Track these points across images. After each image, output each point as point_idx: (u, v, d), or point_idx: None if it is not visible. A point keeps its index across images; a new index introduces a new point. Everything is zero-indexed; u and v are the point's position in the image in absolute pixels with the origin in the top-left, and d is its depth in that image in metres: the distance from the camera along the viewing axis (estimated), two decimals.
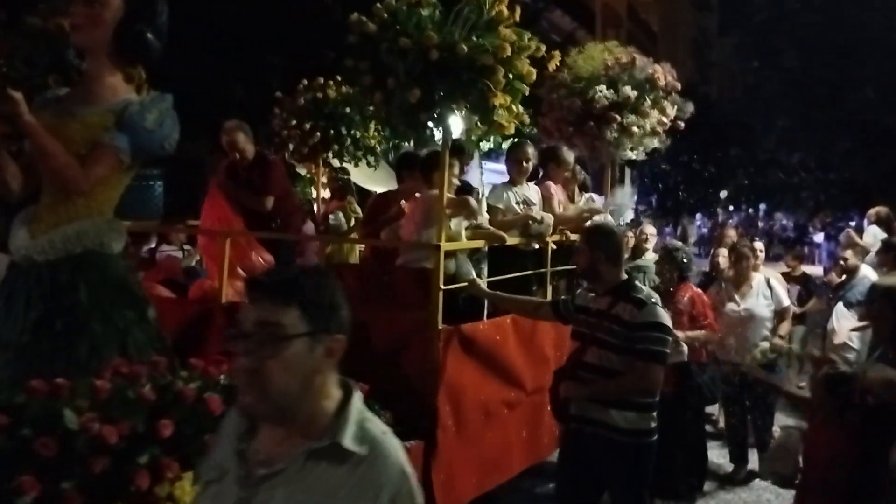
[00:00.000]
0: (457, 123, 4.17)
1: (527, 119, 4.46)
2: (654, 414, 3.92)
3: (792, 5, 31.38)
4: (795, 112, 30.91)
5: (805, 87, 29.87)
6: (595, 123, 6.27)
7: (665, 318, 3.86)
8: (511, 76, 4.08)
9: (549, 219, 5.66)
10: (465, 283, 4.59)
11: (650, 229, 8.50)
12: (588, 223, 5.63)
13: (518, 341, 4.93)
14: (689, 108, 6.86)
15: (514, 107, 4.15)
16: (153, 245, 7.22)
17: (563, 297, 4.46)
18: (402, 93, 3.92)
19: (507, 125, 4.13)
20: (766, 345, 6.28)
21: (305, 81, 7.06)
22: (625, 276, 4.03)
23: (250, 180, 5.86)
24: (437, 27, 3.93)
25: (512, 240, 5.20)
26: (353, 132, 7.23)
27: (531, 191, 5.80)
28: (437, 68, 3.91)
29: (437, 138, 4.33)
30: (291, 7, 12.62)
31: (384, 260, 4.89)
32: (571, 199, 6.52)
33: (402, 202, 5.29)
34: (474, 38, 3.95)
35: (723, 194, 35.64)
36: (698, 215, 30.29)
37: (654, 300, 3.88)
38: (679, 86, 6.72)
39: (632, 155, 6.59)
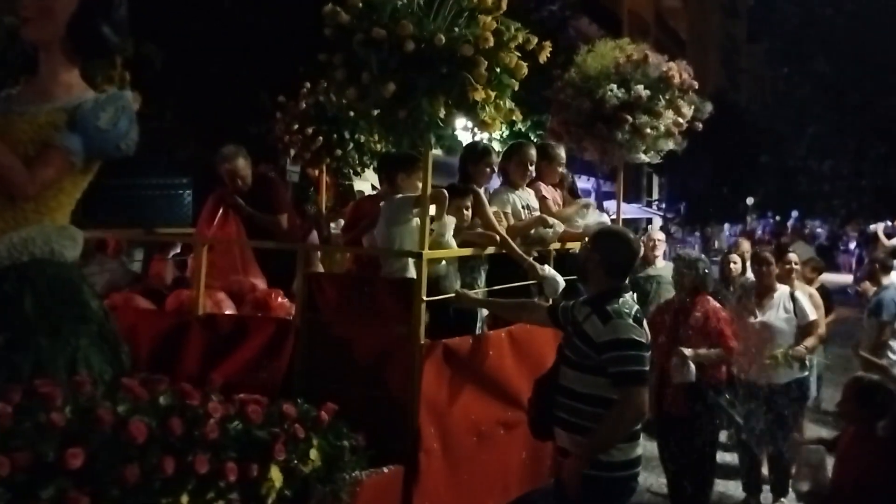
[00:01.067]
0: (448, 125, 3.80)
1: (518, 116, 4.05)
2: (638, 442, 3.54)
3: (823, 11, 30.68)
4: (827, 118, 30.18)
5: (837, 92, 29.09)
6: (605, 125, 5.85)
7: (633, 331, 3.39)
8: (498, 70, 3.70)
9: (560, 226, 5.23)
10: (452, 294, 4.19)
11: (659, 235, 8.03)
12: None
13: (516, 356, 4.52)
14: (708, 107, 6.42)
15: (502, 103, 3.75)
16: (178, 250, 6.94)
17: (564, 301, 3.99)
18: (377, 88, 3.55)
19: (491, 122, 3.74)
20: (780, 352, 5.70)
21: (308, 85, 6.74)
22: (614, 286, 3.57)
23: (255, 203, 5.47)
24: (415, 17, 3.56)
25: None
26: (356, 137, 6.89)
27: (531, 196, 5.37)
28: (413, 61, 3.54)
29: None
30: (318, 14, 12.42)
31: (366, 269, 4.49)
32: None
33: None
34: (456, 30, 3.57)
35: (749, 201, 34.82)
36: (726, 224, 29.54)
37: (624, 313, 3.42)
38: (696, 84, 6.27)
39: (645, 158, 6.15)
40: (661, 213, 35.26)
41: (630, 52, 6.02)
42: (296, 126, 6.80)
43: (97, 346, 3.28)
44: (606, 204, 28.05)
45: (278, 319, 4.31)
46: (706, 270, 5.51)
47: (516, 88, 3.82)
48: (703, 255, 5.92)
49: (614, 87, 5.83)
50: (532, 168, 5.33)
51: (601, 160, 6.35)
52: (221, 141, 6.11)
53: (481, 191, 4.89)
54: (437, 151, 4.14)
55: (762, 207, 36.43)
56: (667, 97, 6.02)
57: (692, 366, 5.07)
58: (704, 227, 33.34)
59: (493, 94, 3.66)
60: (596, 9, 26.82)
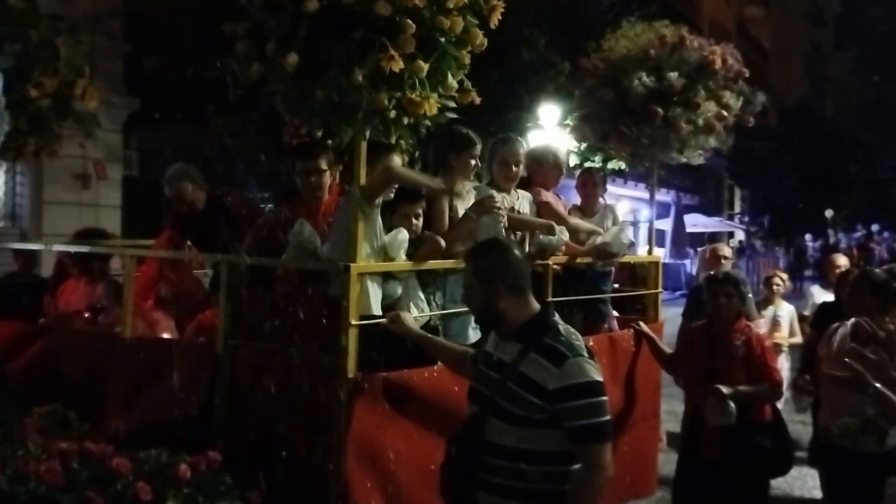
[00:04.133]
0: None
1: (476, 98, 3.16)
2: None
3: None
4: None
5: None
6: (632, 118, 4.84)
7: (594, 371, 2.50)
8: (442, 38, 2.82)
9: (565, 233, 4.27)
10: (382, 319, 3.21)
11: (725, 250, 6.73)
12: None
13: None
14: (760, 98, 5.32)
15: (446, 78, 2.87)
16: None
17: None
18: (280, 60, 2.73)
19: (420, 101, 2.85)
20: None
21: None
22: (537, 307, 2.65)
23: (207, 231, 4.53)
24: None
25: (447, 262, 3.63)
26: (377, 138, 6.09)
27: (523, 200, 4.36)
28: (320, 25, 2.69)
29: None
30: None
31: (310, 285, 3.60)
32: None
33: None
34: None
35: (829, 213, 32.35)
36: (808, 236, 27.42)
37: (576, 346, 2.52)
38: (746, 72, 5.19)
39: (681, 158, 5.09)
40: (744, 227, 33.26)
41: (664, 34, 4.98)
42: (304, 130, 6.08)
43: None
44: (687, 218, 26.71)
45: (201, 345, 3.54)
46: (749, 294, 4.41)
47: (467, 62, 2.93)
48: (743, 276, 4.70)
49: (643, 74, 4.82)
50: (517, 168, 4.30)
51: (630, 160, 5.34)
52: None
53: (467, 185, 3.99)
54: None
55: (850, 220, 33.87)
56: (709, 86, 4.96)
57: (732, 406, 3.96)
58: (790, 241, 31.06)
59: (424, 65, 2.77)
60: (675, 17, 25.39)
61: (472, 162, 3.99)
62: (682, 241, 23.87)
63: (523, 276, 2.66)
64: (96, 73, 10.99)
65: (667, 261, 18.42)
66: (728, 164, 31.49)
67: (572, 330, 2.63)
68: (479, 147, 4.01)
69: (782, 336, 6.12)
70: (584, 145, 12.59)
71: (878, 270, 4.24)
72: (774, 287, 6.12)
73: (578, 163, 13.89)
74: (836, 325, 4.11)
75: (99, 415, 3.45)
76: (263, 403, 3.18)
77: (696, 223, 26.76)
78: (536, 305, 2.65)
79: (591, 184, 4.95)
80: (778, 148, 29.07)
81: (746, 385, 4.05)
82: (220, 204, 4.56)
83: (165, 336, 3.85)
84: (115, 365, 3.61)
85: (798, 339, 6.00)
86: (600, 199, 5.00)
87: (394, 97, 2.88)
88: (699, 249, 20.34)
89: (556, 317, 2.66)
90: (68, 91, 4.18)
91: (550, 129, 12.21)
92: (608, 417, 2.49)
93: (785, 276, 6.37)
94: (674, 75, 4.82)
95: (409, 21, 2.74)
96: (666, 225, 25.79)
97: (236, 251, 4.08)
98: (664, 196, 27.02)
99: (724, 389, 3.94)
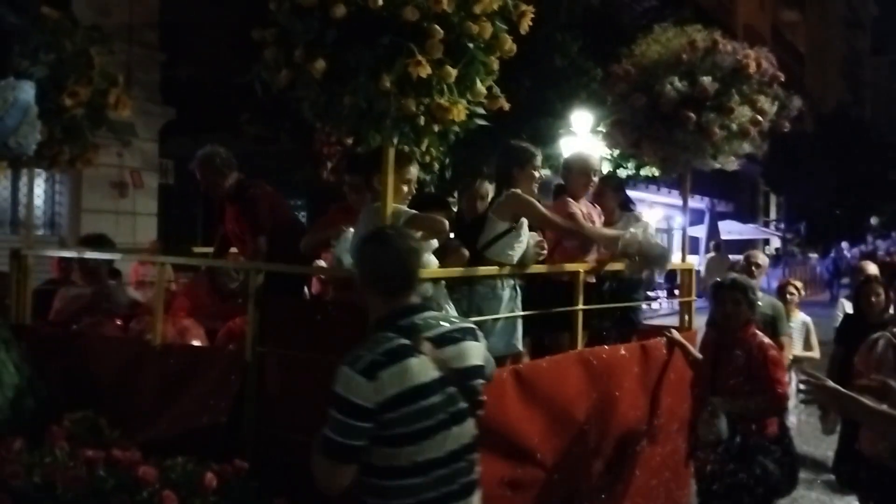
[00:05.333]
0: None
1: (504, 105, 3.11)
2: None
3: None
4: None
5: None
6: (663, 124, 4.75)
7: (340, 382, 2.21)
8: (470, 44, 2.78)
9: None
10: None
11: (760, 258, 6.45)
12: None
13: (523, 396, 3.52)
14: (796, 103, 5.16)
15: (475, 84, 2.83)
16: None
17: None
18: (308, 66, 2.71)
19: (449, 106, 2.81)
20: None
21: None
22: (395, 309, 2.35)
23: (228, 220, 4.64)
24: None
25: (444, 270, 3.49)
26: (401, 147, 6.03)
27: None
28: (348, 31, 2.67)
29: None
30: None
31: (342, 293, 3.56)
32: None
33: None
34: None
35: (874, 220, 31.58)
36: (845, 244, 26.77)
37: (357, 354, 2.24)
38: (781, 76, 5.06)
39: (714, 164, 4.98)
40: (780, 234, 32.65)
41: (695, 38, 4.88)
42: (334, 137, 6.07)
43: None
44: (721, 224, 26.29)
45: (230, 353, 3.53)
46: (759, 302, 4.22)
47: (496, 67, 2.89)
48: (752, 282, 4.46)
49: (675, 79, 4.73)
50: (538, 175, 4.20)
51: (662, 167, 5.24)
52: None
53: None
54: None
55: (889, 227, 33.03)
56: (744, 90, 4.85)
57: (723, 421, 3.70)
58: (829, 248, 30.32)
59: (452, 71, 2.73)
60: (709, 22, 25.08)
61: (536, 174, 4.00)
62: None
63: (389, 275, 2.35)
64: (133, 83, 11.23)
65: (701, 268, 18.13)
66: (763, 169, 31.02)
67: (390, 338, 2.27)
68: (539, 158, 4.02)
69: (791, 350, 5.72)
70: (616, 152, 12.48)
71: None
72: (788, 296, 5.87)
73: (612, 169, 13.79)
74: (876, 335, 3.94)
75: (129, 422, 3.45)
76: (291, 411, 3.16)
77: (731, 230, 26.34)
78: (398, 307, 2.35)
79: (604, 194, 4.88)
80: (815, 153, 28.52)
81: (746, 397, 3.81)
82: (240, 194, 4.54)
83: (195, 343, 3.85)
84: (144, 372, 3.62)
85: (814, 353, 5.69)
86: (617, 208, 4.94)
87: (422, 103, 2.85)
88: (706, 256, 19.90)
89: (407, 320, 2.33)
90: (102, 100, 4.21)
91: (583, 135, 12.11)
92: (333, 435, 2.21)
93: (800, 284, 6.13)
94: (707, 79, 4.71)
95: (437, 26, 2.70)
96: (700, 232, 25.44)
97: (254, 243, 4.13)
98: (698, 203, 26.66)
99: (721, 402, 3.77)
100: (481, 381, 2.46)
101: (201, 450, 3.03)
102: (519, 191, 3.93)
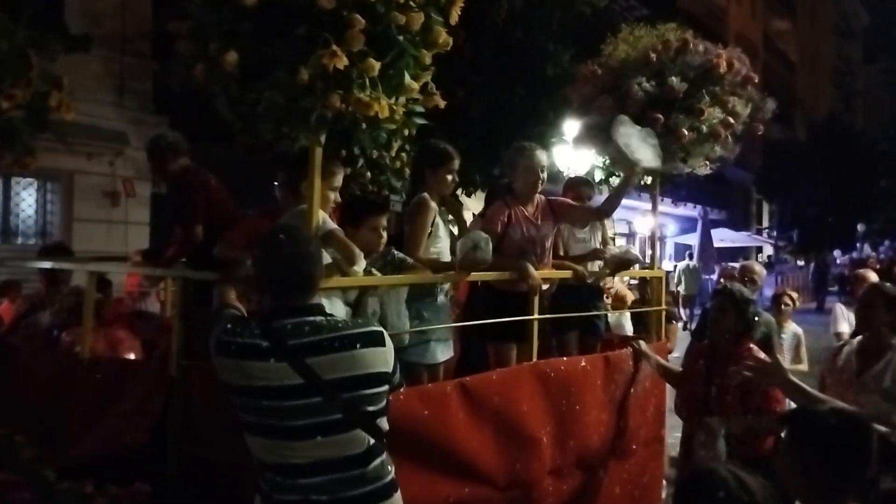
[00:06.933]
0: None
1: (440, 103, 2.84)
2: None
3: None
4: None
5: None
6: None
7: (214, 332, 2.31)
8: (401, 37, 2.50)
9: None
10: None
11: (757, 268, 5.90)
12: None
13: (469, 411, 3.21)
14: (770, 105, 4.86)
15: (402, 78, 2.54)
16: None
17: None
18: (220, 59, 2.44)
19: (370, 102, 2.52)
20: None
21: None
22: (267, 309, 2.30)
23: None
24: None
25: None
26: (369, 153, 5.74)
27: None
28: (262, 21, 2.39)
29: None
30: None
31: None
32: None
33: None
34: None
35: (860, 227, 31.14)
36: (837, 251, 26.35)
37: (220, 328, 2.31)
38: (755, 77, 4.77)
39: (685, 168, 4.68)
40: (772, 242, 32.23)
41: (667, 37, 4.59)
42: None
43: None
44: (714, 232, 25.95)
45: (155, 367, 3.24)
46: (756, 317, 3.88)
47: (428, 62, 2.61)
48: (752, 296, 4.09)
49: (643, 80, 4.44)
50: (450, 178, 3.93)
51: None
52: None
53: (432, 203, 3.67)
54: None
55: (881, 234, 32.59)
56: (713, 92, 4.56)
57: (722, 443, 3.41)
58: (819, 255, 29.91)
59: (375, 63, 2.45)
60: (700, 31, 24.76)
61: (449, 177, 3.70)
62: (709, 256, 23.14)
63: (277, 279, 2.26)
64: (125, 92, 11.02)
65: (672, 277, 17.78)
66: (756, 177, 30.64)
67: (254, 334, 2.21)
68: (456, 162, 3.73)
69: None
70: (607, 160, 12.21)
71: (888, 285, 3.74)
72: (783, 307, 5.50)
73: (604, 178, 13.53)
74: (839, 343, 3.64)
75: (53, 440, 3.17)
76: (216, 429, 2.87)
77: (724, 238, 25.96)
78: (275, 308, 2.26)
79: (577, 196, 4.59)
80: (807, 161, 28.19)
81: (742, 416, 3.50)
82: (177, 180, 4.28)
83: (131, 356, 3.56)
84: (71, 387, 3.33)
85: (802, 366, 5.33)
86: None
87: (345, 99, 2.56)
88: (680, 264, 19.47)
89: (282, 323, 2.21)
90: (43, 103, 3.94)
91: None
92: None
93: (794, 294, 5.78)
94: (675, 79, 4.43)
95: (358, 16, 2.42)
96: (693, 240, 25.07)
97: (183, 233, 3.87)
98: (691, 211, 26.30)
99: (719, 423, 3.46)
100: (375, 389, 2.24)
101: (124, 472, 2.76)
102: (426, 196, 3.66)
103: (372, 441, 2.23)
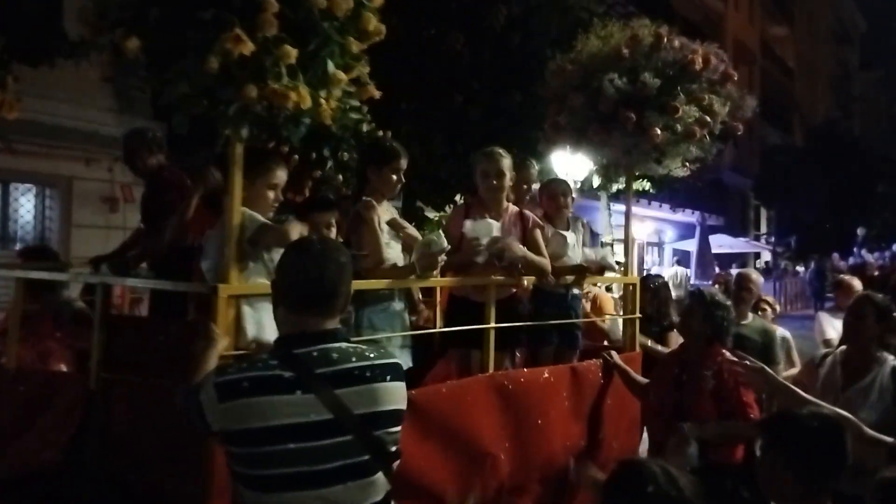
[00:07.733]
0: None
1: (375, 93, 2.59)
2: None
3: None
4: None
5: None
6: (601, 125, 4.17)
7: (205, 387, 1.90)
8: (325, 23, 2.25)
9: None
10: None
11: (753, 275, 5.23)
12: None
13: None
14: (751, 103, 4.57)
15: (331, 69, 2.30)
16: None
17: None
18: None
19: (285, 91, 2.26)
20: None
21: None
22: (291, 332, 1.93)
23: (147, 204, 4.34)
24: None
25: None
26: (340, 155, 5.50)
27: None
28: (168, 6, 2.15)
29: None
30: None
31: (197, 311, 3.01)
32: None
33: None
34: None
35: (860, 231, 30.69)
36: (835, 255, 25.91)
37: (227, 369, 1.97)
38: (734, 74, 4.48)
39: (660, 169, 4.39)
40: (770, 247, 31.82)
41: (641, 33, 4.30)
42: (271, 145, 5.54)
43: None
44: (712, 238, 25.61)
45: (75, 379, 2.98)
46: (724, 322, 3.53)
47: (356, 50, 2.35)
48: (725, 300, 3.75)
49: (615, 76, 4.15)
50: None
51: (605, 173, 4.66)
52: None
53: (381, 203, 3.41)
54: None
55: (878, 239, 32.13)
56: (688, 89, 4.26)
57: (694, 449, 3.16)
58: (820, 260, 29.42)
59: (292, 51, 2.19)
60: (697, 37, 24.38)
61: (395, 177, 3.44)
62: (708, 262, 22.81)
63: (300, 288, 1.89)
64: (125, 99, 10.82)
65: (693, 282, 17.47)
66: (754, 183, 30.26)
67: (271, 366, 1.84)
68: (402, 161, 3.46)
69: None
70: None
71: (879, 295, 3.44)
72: (759, 312, 5.15)
73: (601, 184, 13.25)
74: (823, 351, 3.39)
75: None
76: (137, 446, 2.61)
77: (722, 243, 25.62)
78: (301, 331, 1.89)
79: (557, 195, 4.30)
80: (804, 167, 27.85)
81: (716, 422, 3.27)
82: (153, 175, 4.20)
83: (62, 368, 3.29)
84: (2, 400, 3.07)
85: (795, 370, 5.01)
86: (568, 211, 4.35)
87: (262, 90, 2.30)
88: (667, 270, 19.03)
89: (308, 350, 1.86)
90: None
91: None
92: (186, 411, 1.92)
93: (772, 299, 5.48)
94: (648, 76, 4.14)
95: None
96: (691, 246, 24.73)
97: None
98: (689, 216, 25.99)
99: (692, 428, 3.20)
100: (397, 428, 1.92)
101: (40, 493, 2.51)
102: (370, 199, 3.40)
103: (389, 487, 1.91)
